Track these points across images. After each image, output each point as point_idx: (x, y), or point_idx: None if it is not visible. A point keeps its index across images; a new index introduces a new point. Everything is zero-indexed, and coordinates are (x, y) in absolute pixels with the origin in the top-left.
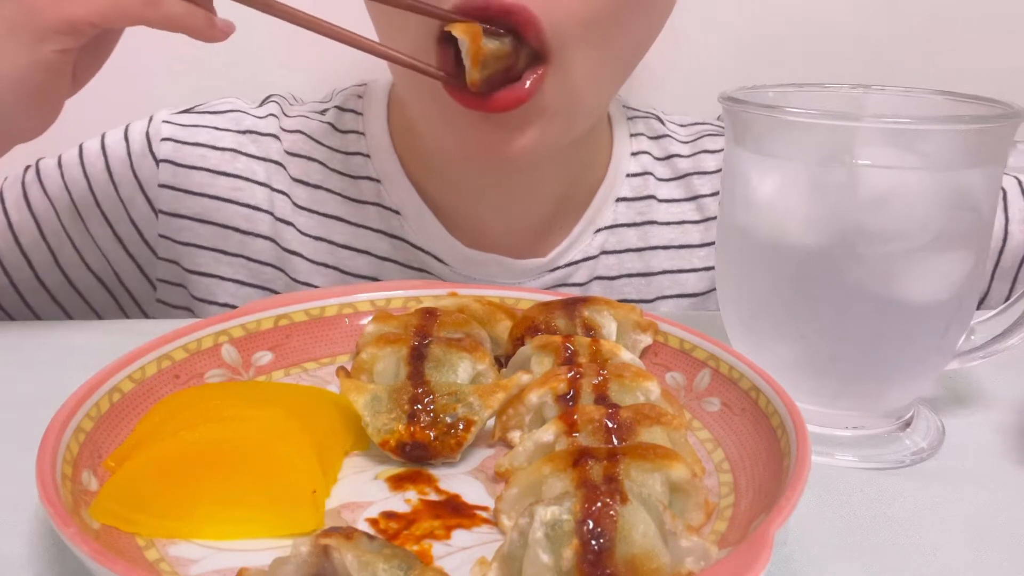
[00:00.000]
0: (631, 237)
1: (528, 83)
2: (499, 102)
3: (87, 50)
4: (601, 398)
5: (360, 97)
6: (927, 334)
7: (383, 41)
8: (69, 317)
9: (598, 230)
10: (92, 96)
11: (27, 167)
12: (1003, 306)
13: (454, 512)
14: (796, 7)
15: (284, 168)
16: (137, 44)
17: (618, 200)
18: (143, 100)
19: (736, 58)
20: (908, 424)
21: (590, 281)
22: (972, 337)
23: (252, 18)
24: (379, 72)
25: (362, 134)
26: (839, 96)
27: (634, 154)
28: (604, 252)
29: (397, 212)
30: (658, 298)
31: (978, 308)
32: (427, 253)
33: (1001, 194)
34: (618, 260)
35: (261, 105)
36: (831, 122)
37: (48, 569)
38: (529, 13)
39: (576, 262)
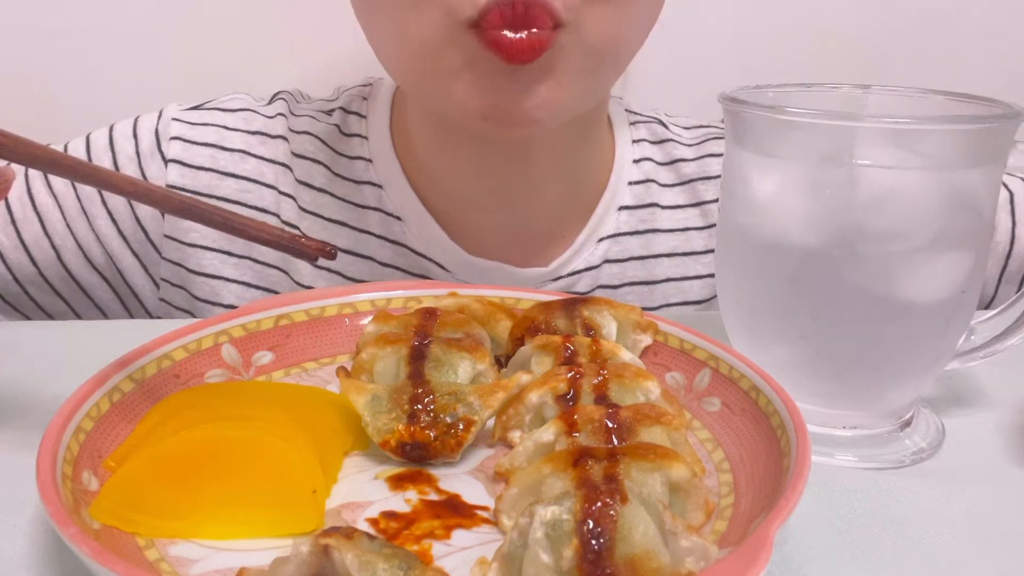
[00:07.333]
0: (634, 245)
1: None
2: (522, 45)
3: None
4: (601, 398)
5: (365, 99)
6: (927, 334)
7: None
8: (73, 312)
9: (600, 239)
10: (93, 94)
11: None
12: (1003, 306)
13: (454, 512)
14: (796, 7)
15: (291, 170)
16: (138, 43)
17: (620, 209)
18: (145, 97)
19: (735, 58)
20: (908, 424)
21: (592, 290)
22: (972, 337)
23: (252, 18)
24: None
25: (365, 138)
26: (839, 96)
27: (636, 161)
28: (607, 261)
29: (399, 218)
30: (662, 306)
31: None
32: (429, 260)
33: (1009, 197)
34: (621, 269)
35: (270, 103)
36: (831, 122)
37: (48, 569)
38: (544, 3)
39: (579, 271)
